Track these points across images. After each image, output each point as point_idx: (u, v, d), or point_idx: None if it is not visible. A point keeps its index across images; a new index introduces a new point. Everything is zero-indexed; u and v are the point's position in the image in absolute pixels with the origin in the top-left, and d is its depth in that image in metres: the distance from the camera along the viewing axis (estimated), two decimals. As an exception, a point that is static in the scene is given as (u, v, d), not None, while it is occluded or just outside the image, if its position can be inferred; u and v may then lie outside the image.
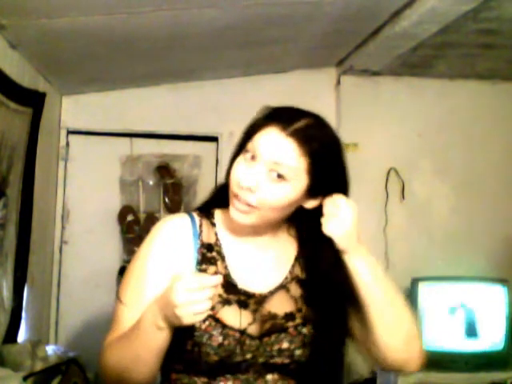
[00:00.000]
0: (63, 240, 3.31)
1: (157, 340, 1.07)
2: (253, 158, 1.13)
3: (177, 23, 2.39)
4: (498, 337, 3.10)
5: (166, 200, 3.38)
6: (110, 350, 1.14)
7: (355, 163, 3.95)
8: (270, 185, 1.12)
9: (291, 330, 1.16)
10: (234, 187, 1.14)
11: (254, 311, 1.16)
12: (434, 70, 3.40)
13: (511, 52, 3.04)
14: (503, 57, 3.14)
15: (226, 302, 1.14)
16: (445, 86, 3.56)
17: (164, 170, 3.39)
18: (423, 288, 3.11)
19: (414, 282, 3.12)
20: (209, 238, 1.20)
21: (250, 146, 1.15)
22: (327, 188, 1.17)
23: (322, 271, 1.19)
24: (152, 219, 3.36)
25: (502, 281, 3.17)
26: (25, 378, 2.13)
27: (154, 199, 3.41)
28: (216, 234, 1.21)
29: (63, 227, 3.32)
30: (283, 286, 1.21)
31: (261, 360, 1.14)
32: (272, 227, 1.22)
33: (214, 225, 1.22)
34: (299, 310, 1.19)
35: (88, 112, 3.34)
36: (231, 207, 1.15)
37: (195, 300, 1.00)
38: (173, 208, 3.35)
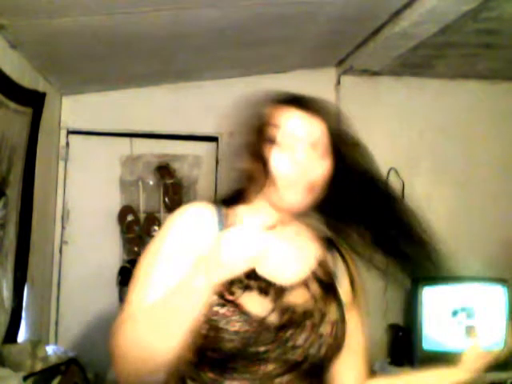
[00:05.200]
0: (63, 240, 3.31)
1: (192, 305, 1.00)
2: (288, 145, 1.15)
3: (177, 23, 2.39)
4: (498, 337, 3.10)
5: (166, 200, 3.39)
6: (130, 324, 1.05)
7: (355, 163, 3.92)
8: (317, 164, 1.16)
9: (308, 327, 1.15)
10: (285, 179, 1.15)
11: (274, 301, 1.14)
12: (433, 70, 3.40)
13: (511, 52, 3.04)
14: (503, 57, 3.14)
15: (246, 287, 1.12)
16: (445, 86, 3.56)
17: (164, 169, 3.39)
18: (423, 288, 3.11)
19: (414, 281, 3.12)
20: (233, 225, 1.15)
21: (279, 134, 1.16)
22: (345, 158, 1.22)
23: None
24: (152, 219, 3.36)
25: (501, 281, 3.17)
26: (25, 378, 2.13)
27: (153, 199, 3.41)
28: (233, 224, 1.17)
29: (63, 227, 3.32)
30: (304, 283, 1.20)
31: (273, 355, 1.11)
32: (298, 218, 1.23)
33: (237, 215, 1.20)
34: (318, 310, 1.18)
35: (88, 112, 3.34)
36: (285, 194, 1.15)
37: (243, 242, 0.98)
38: (173, 208, 3.34)
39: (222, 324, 1.08)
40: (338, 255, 1.29)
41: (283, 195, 1.16)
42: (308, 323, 1.15)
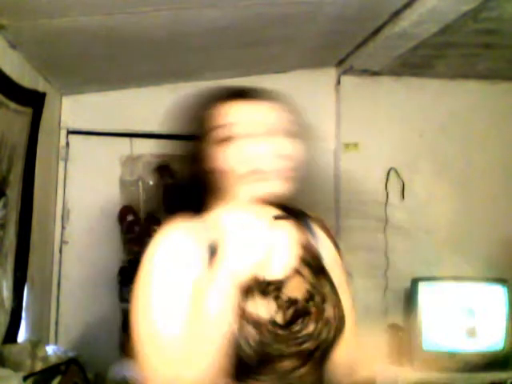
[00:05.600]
0: (63, 240, 3.31)
1: (221, 324, 1.03)
2: (247, 135, 1.13)
3: (177, 23, 2.39)
4: (498, 337, 3.10)
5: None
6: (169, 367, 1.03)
7: (355, 163, 3.99)
8: (283, 147, 1.15)
9: (314, 315, 1.14)
10: (252, 166, 1.13)
11: (275, 298, 1.13)
12: (433, 70, 3.40)
13: (511, 52, 3.04)
14: (503, 57, 3.14)
15: (247, 292, 1.09)
16: (445, 86, 3.56)
17: (164, 170, 3.39)
18: (423, 288, 3.11)
19: (414, 282, 3.12)
20: (215, 234, 1.14)
21: (234, 131, 1.13)
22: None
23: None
24: (152, 219, 3.36)
25: (501, 281, 3.17)
26: (25, 378, 2.13)
27: (153, 199, 3.41)
28: (220, 230, 1.14)
29: (63, 227, 3.32)
30: (297, 271, 1.19)
31: (287, 351, 1.10)
32: (276, 207, 1.22)
33: (215, 222, 1.17)
34: (318, 294, 1.17)
35: (88, 112, 3.34)
36: (260, 185, 1.13)
37: (251, 244, 1.02)
38: (173, 208, 3.34)
39: (239, 338, 1.06)
40: (315, 231, 1.28)
41: (259, 188, 1.14)
42: (312, 311, 1.15)
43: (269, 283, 1.14)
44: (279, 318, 1.11)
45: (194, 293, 1.06)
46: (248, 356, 1.07)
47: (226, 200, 1.18)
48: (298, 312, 1.13)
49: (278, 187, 1.15)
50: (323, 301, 1.17)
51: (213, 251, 1.10)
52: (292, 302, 1.14)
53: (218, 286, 1.03)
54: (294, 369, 1.12)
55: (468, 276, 3.25)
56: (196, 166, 1.18)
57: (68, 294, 3.28)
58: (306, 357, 1.13)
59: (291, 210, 1.26)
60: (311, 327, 1.13)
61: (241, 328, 1.06)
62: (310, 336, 1.12)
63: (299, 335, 1.12)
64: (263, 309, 1.10)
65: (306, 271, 1.20)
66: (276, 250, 1.12)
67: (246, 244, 1.04)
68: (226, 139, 1.14)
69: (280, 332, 1.10)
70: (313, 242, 1.26)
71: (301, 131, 1.20)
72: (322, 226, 1.30)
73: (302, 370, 1.12)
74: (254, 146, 1.13)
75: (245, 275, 1.04)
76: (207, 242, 1.12)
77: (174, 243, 1.12)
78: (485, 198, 3.52)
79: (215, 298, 1.03)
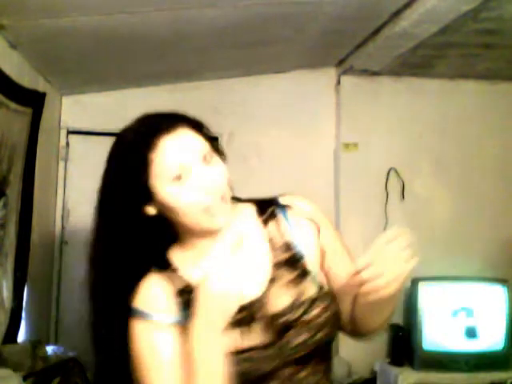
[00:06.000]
0: (63, 240, 3.31)
1: (217, 366, 1.02)
2: (179, 175, 1.06)
3: (177, 23, 2.39)
4: (498, 337, 3.10)
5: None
6: None
7: (355, 163, 3.99)
8: (217, 172, 1.09)
9: (303, 322, 1.11)
10: (201, 204, 1.06)
11: (261, 319, 1.10)
12: (434, 69, 3.40)
13: (511, 52, 3.04)
14: (503, 57, 3.14)
15: (232, 325, 1.05)
16: (445, 86, 3.56)
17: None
18: (423, 288, 3.11)
19: (414, 281, 3.12)
20: (178, 283, 1.11)
21: (166, 167, 1.05)
22: None
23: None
24: (152, 219, 3.36)
25: (501, 281, 3.17)
26: (25, 378, 2.13)
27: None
28: (182, 276, 1.12)
29: (63, 227, 3.32)
30: (272, 280, 1.14)
31: (289, 359, 1.09)
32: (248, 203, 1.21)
33: (171, 266, 1.13)
34: (300, 295, 1.13)
35: (88, 112, 3.34)
36: (214, 219, 1.08)
37: (232, 275, 0.99)
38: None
39: (236, 373, 1.05)
40: (289, 217, 1.20)
41: (209, 221, 1.08)
42: (299, 319, 1.11)
43: (251, 308, 1.09)
44: (267, 338, 1.09)
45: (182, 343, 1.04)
46: (246, 380, 1.06)
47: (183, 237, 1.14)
48: (286, 324, 1.10)
49: (226, 214, 1.09)
50: (310, 305, 1.12)
51: (183, 302, 1.09)
52: (275, 316, 1.10)
53: (205, 331, 1.01)
54: (294, 374, 1.11)
55: (468, 276, 3.26)
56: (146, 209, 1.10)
57: (68, 293, 3.28)
58: (304, 362, 1.12)
59: (262, 202, 1.22)
60: (302, 336, 1.10)
61: (234, 365, 1.04)
62: (302, 344, 1.10)
63: (291, 346, 1.10)
64: (248, 336, 1.08)
65: (285, 277, 1.14)
66: (249, 266, 1.07)
67: (224, 287, 1.01)
68: (176, 178, 1.06)
69: (271, 352, 1.08)
70: (288, 233, 1.19)
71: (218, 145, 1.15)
72: (294, 206, 1.21)
73: (303, 373, 1.12)
74: (195, 181, 1.06)
75: (230, 313, 1.01)
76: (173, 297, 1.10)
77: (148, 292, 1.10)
78: (485, 197, 3.52)
79: (206, 345, 1.01)
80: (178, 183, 1.06)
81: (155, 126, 1.09)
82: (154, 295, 1.09)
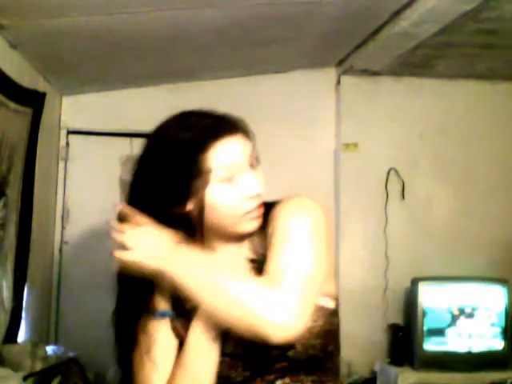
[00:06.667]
0: (63, 240, 3.31)
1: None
2: (231, 177, 1.07)
3: (177, 23, 2.39)
4: (498, 337, 3.10)
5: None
6: None
7: (355, 163, 3.99)
8: (259, 176, 1.13)
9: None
10: (245, 208, 1.08)
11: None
12: (433, 69, 3.40)
13: (511, 52, 3.04)
14: (503, 57, 3.14)
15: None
16: (445, 86, 3.56)
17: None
18: (423, 288, 3.11)
19: (414, 281, 3.13)
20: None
21: (220, 168, 1.06)
22: None
23: None
24: (152, 219, 3.36)
25: (501, 281, 3.17)
26: (25, 378, 2.13)
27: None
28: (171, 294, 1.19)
29: (63, 227, 3.31)
30: None
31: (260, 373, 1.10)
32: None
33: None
34: None
35: (88, 112, 3.34)
36: (249, 223, 1.10)
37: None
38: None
39: None
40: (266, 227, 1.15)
41: (245, 225, 1.09)
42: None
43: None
44: (238, 353, 1.10)
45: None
46: None
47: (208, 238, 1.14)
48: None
49: (258, 222, 1.11)
50: None
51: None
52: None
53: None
54: (278, 378, 1.10)
55: (468, 276, 3.26)
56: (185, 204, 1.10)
57: (68, 294, 3.28)
58: (285, 371, 1.10)
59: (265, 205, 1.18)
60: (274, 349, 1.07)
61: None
62: (279, 355, 1.08)
63: (266, 355, 1.09)
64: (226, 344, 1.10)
65: None
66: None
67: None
68: (226, 180, 1.07)
69: (242, 365, 1.10)
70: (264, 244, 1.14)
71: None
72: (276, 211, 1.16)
73: (287, 379, 1.10)
74: (249, 183, 1.09)
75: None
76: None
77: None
78: (485, 197, 3.52)
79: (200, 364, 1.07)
80: (227, 183, 1.07)
81: (214, 127, 1.10)
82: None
